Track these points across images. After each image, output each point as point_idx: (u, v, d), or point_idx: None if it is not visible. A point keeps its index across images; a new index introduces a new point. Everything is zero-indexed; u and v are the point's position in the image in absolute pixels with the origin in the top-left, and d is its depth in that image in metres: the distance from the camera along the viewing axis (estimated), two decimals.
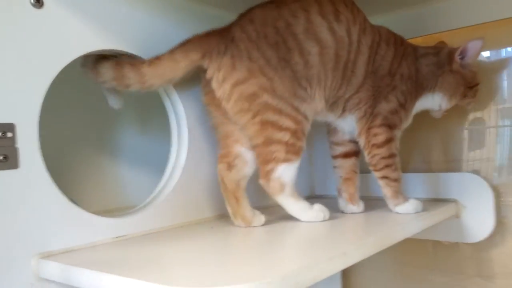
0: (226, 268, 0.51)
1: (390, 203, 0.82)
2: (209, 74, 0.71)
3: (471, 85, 0.85)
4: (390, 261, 1.08)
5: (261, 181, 0.73)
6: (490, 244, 0.91)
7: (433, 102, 0.86)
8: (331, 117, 0.83)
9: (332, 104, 0.79)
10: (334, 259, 0.53)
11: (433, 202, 0.92)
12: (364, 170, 0.87)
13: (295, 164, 0.73)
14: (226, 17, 0.76)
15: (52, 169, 0.63)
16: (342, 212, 0.85)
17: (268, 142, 0.71)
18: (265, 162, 0.72)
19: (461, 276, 0.96)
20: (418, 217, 0.78)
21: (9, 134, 0.58)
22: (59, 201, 0.63)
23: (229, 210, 0.76)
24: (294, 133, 0.71)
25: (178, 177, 0.79)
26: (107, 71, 0.68)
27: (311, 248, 0.59)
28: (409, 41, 0.87)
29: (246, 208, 0.75)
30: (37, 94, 0.61)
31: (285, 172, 0.72)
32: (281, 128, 0.71)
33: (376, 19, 0.83)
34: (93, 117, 0.96)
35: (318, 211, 0.75)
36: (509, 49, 0.91)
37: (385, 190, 0.82)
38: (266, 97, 0.70)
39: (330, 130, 0.88)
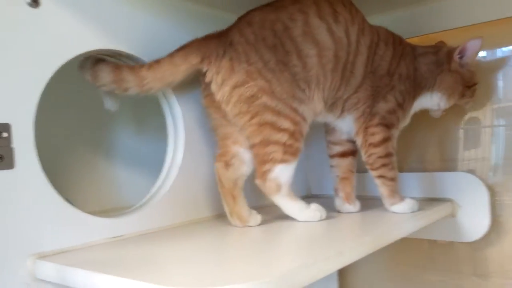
0: (223, 268, 0.51)
1: (386, 202, 0.82)
2: (208, 77, 0.72)
3: (470, 84, 0.86)
4: (386, 260, 1.08)
5: (257, 181, 0.73)
6: (485, 243, 0.92)
7: (431, 101, 0.86)
8: (330, 118, 0.83)
9: (331, 105, 0.80)
10: (330, 259, 0.53)
11: (429, 201, 0.93)
12: (360, 169, 0.87)
13: (292, 165, 0.73)
14: (225, 18, 0.77)
15: (47, 169, 0.62)
16: (338, 211, 0.85)
17: (266, 142, 0.71)
18: (262, 162, 0.72)
19: (457, 275, 0.97)
20: (414, 216, 0.78)
21: (5, 134, 0.58)
22: (54, 201, 0.63)
23: (226, 209, 0.76)
24: (292, 134, 0.72)
25: (175, 177, 0.79)
26: (106, 74, 0.68)
27: (308, 247, 0.60)
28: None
29: (243, 207, 0.75)
30: (33, 94, 0.61)
31: (282, 173, 0.72)
32: (279, 129, 0.71)
33: (373, 19, 0.83)
34: (89, 117, 0.96)
35: (314, 210, 0.75)
36: (504, 49, 0.92)
37: (381, 189, 0.82)
38: (264, 99, 0.70)
39: (328, 129, 0.88)
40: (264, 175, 0.72)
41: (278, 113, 0.71)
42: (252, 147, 0.73)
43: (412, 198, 0.82)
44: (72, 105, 0.93)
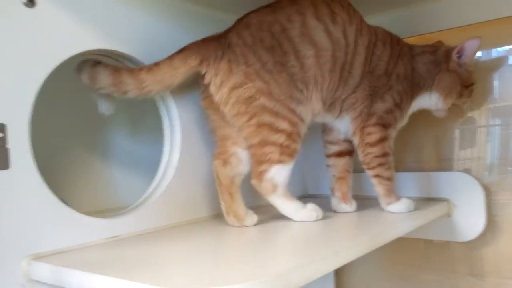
0: (220, 268, 0.51)
1: (383, 201, 0.82)
2: (207, 79, 0.72)
3: (467, 84, 0.86)
4: (382, 260, 1.09)
5: (253, 181, 0.73)
6: (481, 243, 0.92)
7: (430, 101, 0.87)
8: (329, 118, 0.83)
9: (329, 105, 0.80)
10: (327, 259, 0.53)
11: (425, 201, 0.93)
12: (357, 169, 0.87)
13: (289, 166, 0.73)
14: (225, 19, 0.77)
15: (43, 169, 0.62)
16: (335, 211, 0.86)
17: (263, 143, 0.72)
18: (259, 162, 0.72)
19: (453, 274, 0.97)
20: (410, 216, 0.78)
21: (0, 135, 0.57)
22: (50, 201, 0.62)
23: (223, 207, 0.77)
24: (290, 135, 0.72)
25: (171, 177, 0.79)
26: (104, 77, 0.68)
27: (304, 247, 0.60)
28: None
29: (239, 205, 0.76)
30: (28, 94, 0.61)
31: (278, 173, 0.72)
32: (277, 130, 0.71)
33: (371, 19, 0.83)
34: (85, 117, 0.96)
35: (311, 210, 0.75)
36: (500, 49, 0.92)
37: (377, 188, 0.82)
38: (263, 100, 0.70)
39: (325, 129, 0.89)
40: (260, 175, 0.72)
41: (276, 114, 0.71)
42: (249, 147, 0.74)
43: (408, 197, 0.82)
44: (68, 106, 0.93)
